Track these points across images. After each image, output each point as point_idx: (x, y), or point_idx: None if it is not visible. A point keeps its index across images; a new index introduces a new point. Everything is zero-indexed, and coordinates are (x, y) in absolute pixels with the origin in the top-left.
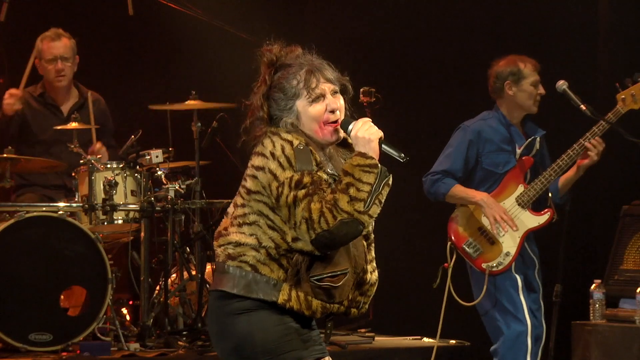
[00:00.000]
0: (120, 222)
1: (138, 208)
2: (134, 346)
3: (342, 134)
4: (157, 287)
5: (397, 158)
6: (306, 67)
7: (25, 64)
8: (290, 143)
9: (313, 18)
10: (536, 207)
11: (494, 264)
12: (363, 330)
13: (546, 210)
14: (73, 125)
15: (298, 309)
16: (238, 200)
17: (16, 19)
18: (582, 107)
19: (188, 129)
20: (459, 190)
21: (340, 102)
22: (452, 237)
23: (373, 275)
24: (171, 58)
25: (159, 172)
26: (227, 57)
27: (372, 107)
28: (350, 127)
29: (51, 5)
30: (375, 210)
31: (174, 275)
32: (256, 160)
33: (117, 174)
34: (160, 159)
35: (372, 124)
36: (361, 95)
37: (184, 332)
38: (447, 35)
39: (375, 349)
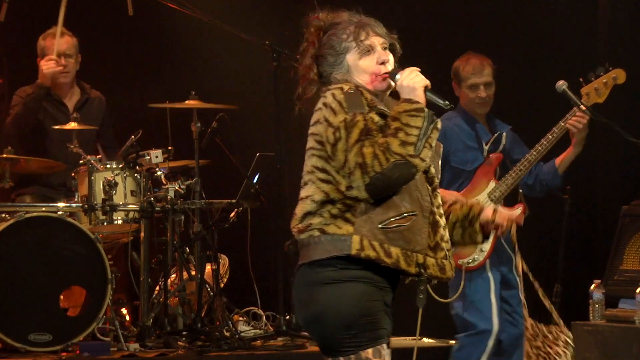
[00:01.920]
0: (119, 222)
1: (138, 208)
2: (134, 346)
3: (392, 83)
4: (157, 288)
5: (442, 106)
6: (355, 22)
7: (25, 64)
8: (340, 89)
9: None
10: (508, 202)
11: (470, 260)
12: None
13: (518, 205)
14: (72, 125)
15: (375, 257)
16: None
17: (16, 19)
18: (582, 107)
19: (188, 129)
20: None
21: (390, 56)
22: None
23: (442, 219)
24: (171, 58)
25: (159, 172)
26: (227, 57)
27: None
28: (397, 76)
29: (51, 5)
30: (427, 153)
31: (174, 275)
32: (313, 118)
33: (116, 174)
34: (160, 159)
35: (418, 72)
36: None
37: (184, 333)
38: (445, 35)
39: None
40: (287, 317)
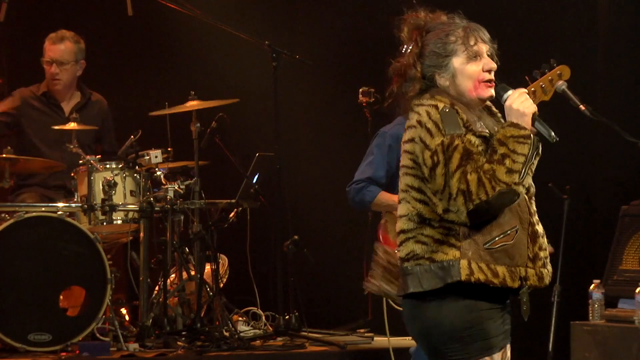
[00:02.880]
0: (119, 222)
1: (137, 208)
2: (133, 346)
3: (492, 92)
4: (156, 288)
5: (547, 138)
6: (463, 26)
7: (25, 64)
8: (435, 107)
9: (312, 18)
10: None
11: None
12: (362, 330)
13: None
14: (72, 125)
15: (485, 279)
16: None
17: (16, 19)
18: (582, 107)
19: (187, 130)
20: (384, 197)
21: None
22: (384, 244)
23: (540, 227)
24: (170, 58)
25: (158, 173)
26: (227, 58)
27: (371, 108)
28: (505, 95)
29: (50, 6)
30: (528, 179)
31: (173, 275)
32: (406, 135)
33: (116, 174)
34: (160, 159)
35: (528, 96)
36: (360, 96)
37: (183, 333)
38: None
39: (374, 349)
40: (287, 317)
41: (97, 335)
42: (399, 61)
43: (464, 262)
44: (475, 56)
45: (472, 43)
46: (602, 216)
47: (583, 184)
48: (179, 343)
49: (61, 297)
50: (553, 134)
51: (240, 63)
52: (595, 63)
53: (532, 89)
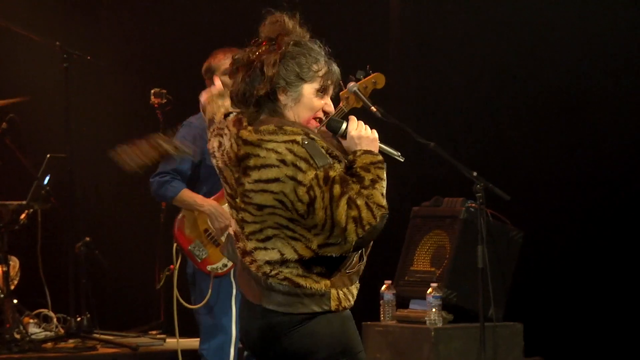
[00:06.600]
0: None
1: None
2: None
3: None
4: None
5: (397, 158)
6: (329, 63)
7: None
8: (294, 142)
9: (108, 19)
10: None
11: (219, 266)
12: (154, 332)
13: None
14: None
15: (349, 305)
16: (246, 216)
17: None
18: (373, 108)
19: None
20: (186, 195)
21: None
22: (179, 239)
23: None
24: None
25: None
26: (16, 58)
27: (162, 109)
28: (343, 127)
29: None
30: None
31: None
32: (261, 174)
33: None
34: None
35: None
36: (152, 97)
37: None
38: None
39: (166, 351)
40: (78, 319)
41: None
42: (253, 53)
43: (334, 292)
44: (323, 93)
45: (329, 82)
46: (393, 217)
47: None
48: None
49: None
50: (400, 153)
51: (31, 63)
52: (387, 64)
53: (346, 96)
